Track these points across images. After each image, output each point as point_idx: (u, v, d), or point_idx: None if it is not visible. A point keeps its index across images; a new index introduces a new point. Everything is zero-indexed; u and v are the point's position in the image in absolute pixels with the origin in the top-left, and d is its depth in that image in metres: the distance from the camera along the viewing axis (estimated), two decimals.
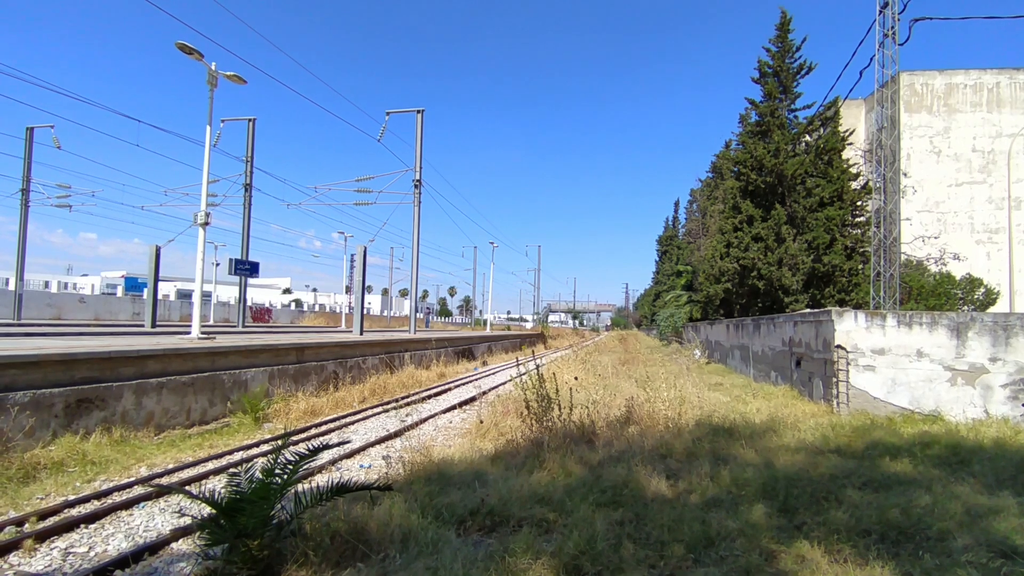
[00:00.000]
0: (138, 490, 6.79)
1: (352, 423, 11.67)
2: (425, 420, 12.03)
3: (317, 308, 77.86)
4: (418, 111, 26.59)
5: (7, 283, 42.31)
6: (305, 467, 4.91)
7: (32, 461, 7.19)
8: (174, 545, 5.28)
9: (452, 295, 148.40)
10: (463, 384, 18.81)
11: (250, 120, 28.22)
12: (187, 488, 6.62)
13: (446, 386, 17.96)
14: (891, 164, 16.12)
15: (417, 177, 26.14)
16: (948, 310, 19.19)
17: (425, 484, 6.01)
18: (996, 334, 10.10)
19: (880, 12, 14.19)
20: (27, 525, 5.54)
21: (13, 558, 4.92)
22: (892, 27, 14.09)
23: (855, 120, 35.95)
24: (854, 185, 25.46)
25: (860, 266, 23.89)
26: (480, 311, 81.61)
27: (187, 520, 5.07)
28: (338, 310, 61.43)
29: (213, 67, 14.45)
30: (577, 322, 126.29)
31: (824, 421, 9.40)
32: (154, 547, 5.16)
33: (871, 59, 14.30)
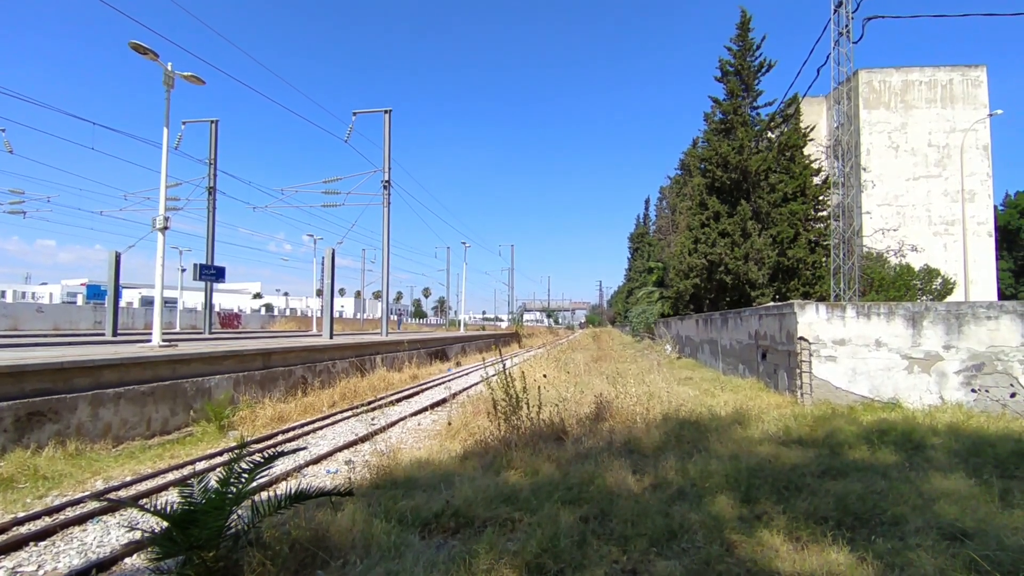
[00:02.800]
0: (92, 505, 6.56)
1: (321, 428, 11.49)
2: (395, 423, 11.91)
3: (288, 312, 76.61)
4: (385, 111, 26.35)
5: None
6: (264, 474, 4.82)
7: None
8: (128, 560, 5.11)
9: (427, 296, 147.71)
10: (435, 386, 18.70)
11: (212, 122, 27.57)
12: (142, 501, 6.44)
13: (418, 388, 17.83)
14: (850, 159, 16.55)
15: (386, 178, 25.89)
16: (907, 300, 19.79)
17: (390, 488, 5.95)
18: (949, 322, 10.43)
19: (834, 11, 14.55)
20: None
21: None
22: (846, 26, 14.46)
23: (816, 116, 36.82)
24: (816, 180, 26.06)
25: (824, 259, 24.47)
26: (455, 312, 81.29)
27: (140, 534, 4.91)
28: (309, 314, 60.52)
29: (169, 67, 14.07)
30: (552, 320, 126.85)
31: (788, 412, 9.58)
32: (106, 563, 4.99)
33: (827, 57, 14.65)
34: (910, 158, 36.96)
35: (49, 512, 6.32)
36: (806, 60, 20.51)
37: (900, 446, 7.20)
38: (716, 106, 27.05)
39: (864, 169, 34.08)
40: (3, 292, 65.18)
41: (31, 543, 5.50)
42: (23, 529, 5.82)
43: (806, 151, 26.15)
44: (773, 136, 26.23)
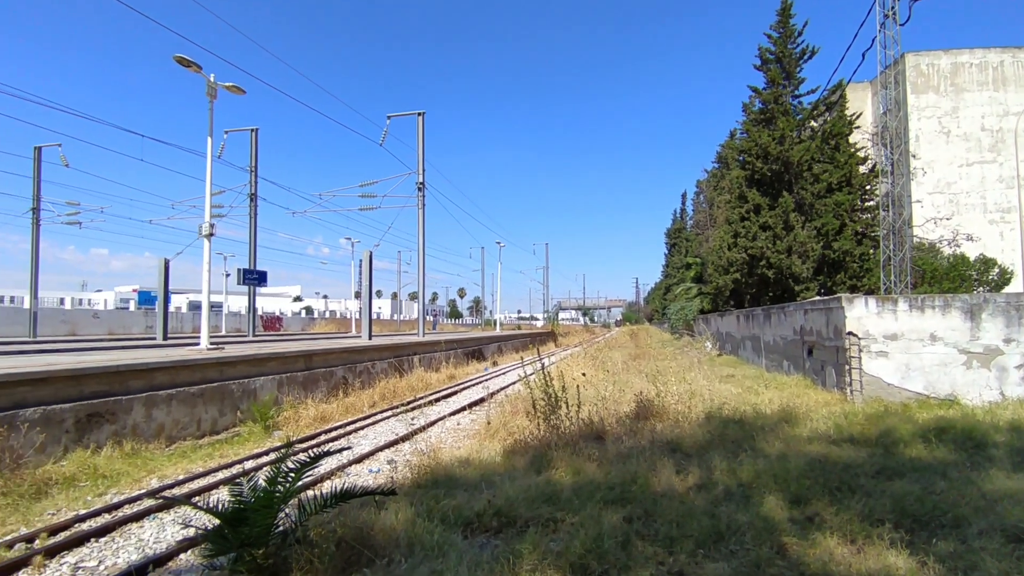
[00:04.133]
0: (148, 502, 6.82)
1: (362, 428, 11.67)
2: (434, 423, 12.01)
3: (328, 315, 78.27)
4: (419, 114, 26.59)
5: (23, 301, 42.82)
6: (309, 474, 4.89)
7: (43, 477, 7.23)
8: (183, 556, 5.28)
9: (462, 296, 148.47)
10: (472, 385, 18.78)
11: (253, 130, 28.35)
12: (194, 499, 6.65)
13: (455, 388, 17.94)
14: (898, 146, 15.89)
15: (420, 180, 26.14)
16: (963, 292, 18.91)
17: (432, 487, 5.98)
18: (1010, 315, 9.92)
19: None
20: (37, 541, 5.56)
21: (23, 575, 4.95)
22: (892, 7, 13.88)
23: (861, 103, 35.52)
24: (863, 169, 25.13)
25: (871, 251, 23.58)
26: (490, 311, 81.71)
27: (193, 531, 5.07)
28: (348, 316, 61.68)
29: (212, 79, 14.52)
30: (588, 319, 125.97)
31: (837, 409, 9.27)
32: (163, 559, 5.16)
33: (873, 40, 14.08)
34: (962, 143, 35.32)
35: (108, 509, 6.59)
36: (850, 45, 19.82)
37: (960, 445, 6.88)
38: (755, 95, 26.34)
39: (913, 156, 32.70)
40: (62, 299, 68.52)
41: (92, 539, 5.74)
42: (84, 526, 6.08)
43: (851, 139, 25.24)
44: (816, 125, 25.39)
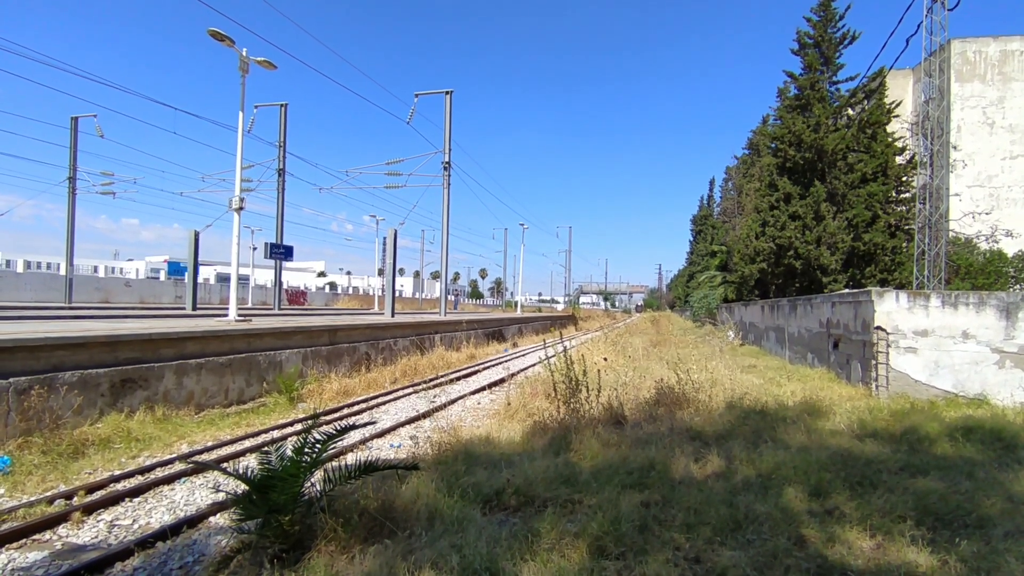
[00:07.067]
0: (179, 466, 7.07)
1: (383, 404, 11.88)
2: (454, 401, 12.15)
3: (351, 291, 79.27)
4: (447, 92, 26.46)
5: (59, 268, 44.12)
6: (334, 446, 5.03)
7: (81, 438, 7.54)
8: (212, 519, 5.48)
9: (483, 277, 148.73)
10: (493, 366, 18.92)
11: (282, 105, 28.54)
12: (223, 465, 6.86)
13: (476, 368, 18.09)
14: (939, 137, 15.37)
15: (446, 159, 26.11)
16: (999, 289, 18.38)
17: (452, 463, 6.08)
18: None
19: None
20: (75, 499, 5.82)
21: (62, 530, 5.19)
22: None
23: (902, 91, 34.29)
24: (899, 160, 24.41)
25: (904, 244, 23.00)
26: (511, 293, 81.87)
27: (223, 495, 5.25)
28: (371, 292, 62.38)
29: (244, 53, 14.62)
30: (609, 304, 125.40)
31: (862, 404, 9.14)
32: (193, 520, 5.37)
33: (918, 26, 13.57)
34: (1007, 135, 33.89)
35: (142, 471, 6.85)
36: (894, 30, 18.99)
37: (988, 445, 6.75)
38: (791, 81, 25.67)
39: (954, 147, 31.57)
40: (95, 267, 70.50)
41: (127, 499, 5.99)
42: (119, 486, 6.34)
43: (889, 128, 24.49)
44: (853, 113, 24.67)
